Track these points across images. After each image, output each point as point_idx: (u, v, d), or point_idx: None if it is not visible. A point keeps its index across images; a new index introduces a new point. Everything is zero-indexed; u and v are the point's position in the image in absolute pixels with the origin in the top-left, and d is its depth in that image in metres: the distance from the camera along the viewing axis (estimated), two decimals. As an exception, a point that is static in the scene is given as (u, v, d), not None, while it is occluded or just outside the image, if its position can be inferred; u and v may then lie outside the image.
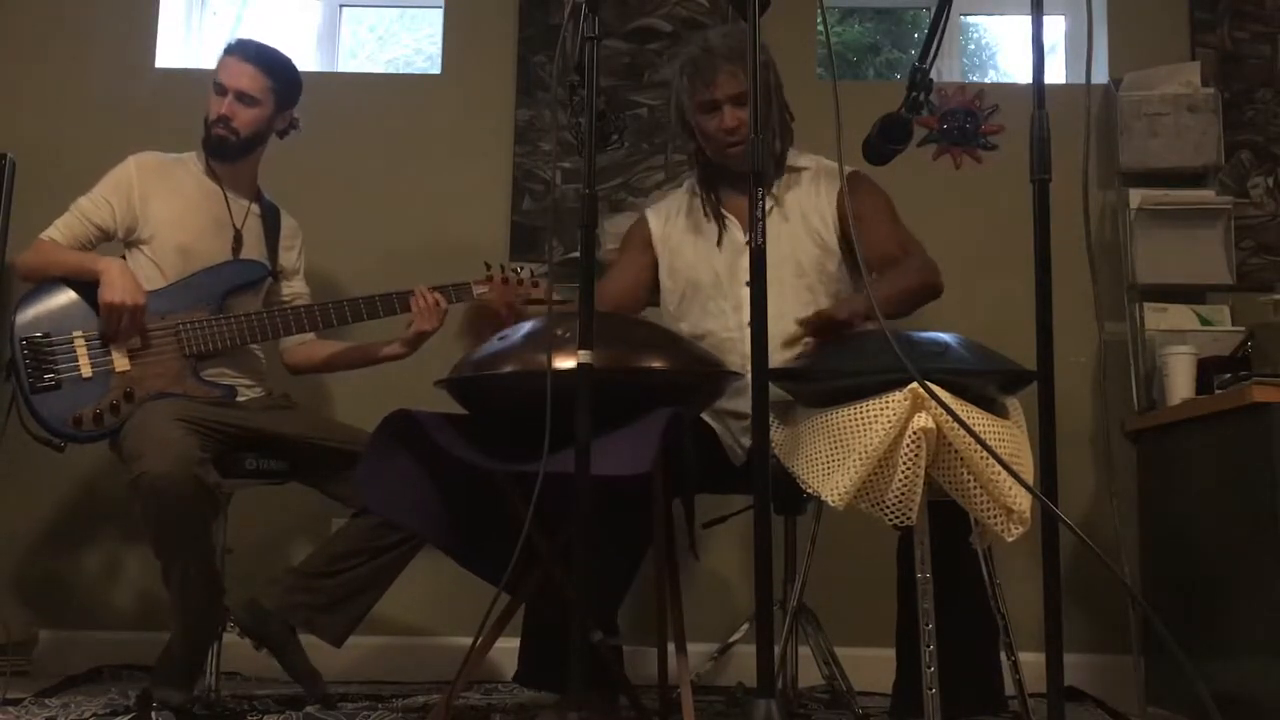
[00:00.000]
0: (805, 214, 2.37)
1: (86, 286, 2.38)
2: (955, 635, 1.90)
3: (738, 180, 2.35)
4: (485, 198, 3.16)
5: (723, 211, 2.40)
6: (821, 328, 2.01)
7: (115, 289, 2.34)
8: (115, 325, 2.35)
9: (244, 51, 2.54)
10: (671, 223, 2.48)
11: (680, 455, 1.93)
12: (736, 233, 2.35)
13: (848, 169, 2.37)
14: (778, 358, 2.03)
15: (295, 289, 2.68)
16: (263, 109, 2.54)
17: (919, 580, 1.82)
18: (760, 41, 2.36)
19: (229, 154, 2.54)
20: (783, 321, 2.24)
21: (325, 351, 2.67)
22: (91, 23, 3.25)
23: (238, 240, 2.55)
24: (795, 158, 2.43)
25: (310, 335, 2.63)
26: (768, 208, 2.33)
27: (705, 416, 2.33)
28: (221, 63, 2.54)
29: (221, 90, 2.51)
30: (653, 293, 2.51)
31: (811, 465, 1.85)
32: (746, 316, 2.26)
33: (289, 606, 2.32)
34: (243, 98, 2.51)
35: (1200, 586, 2.53)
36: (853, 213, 2.17)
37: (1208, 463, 2.54)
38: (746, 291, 2.29)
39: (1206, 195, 2.96)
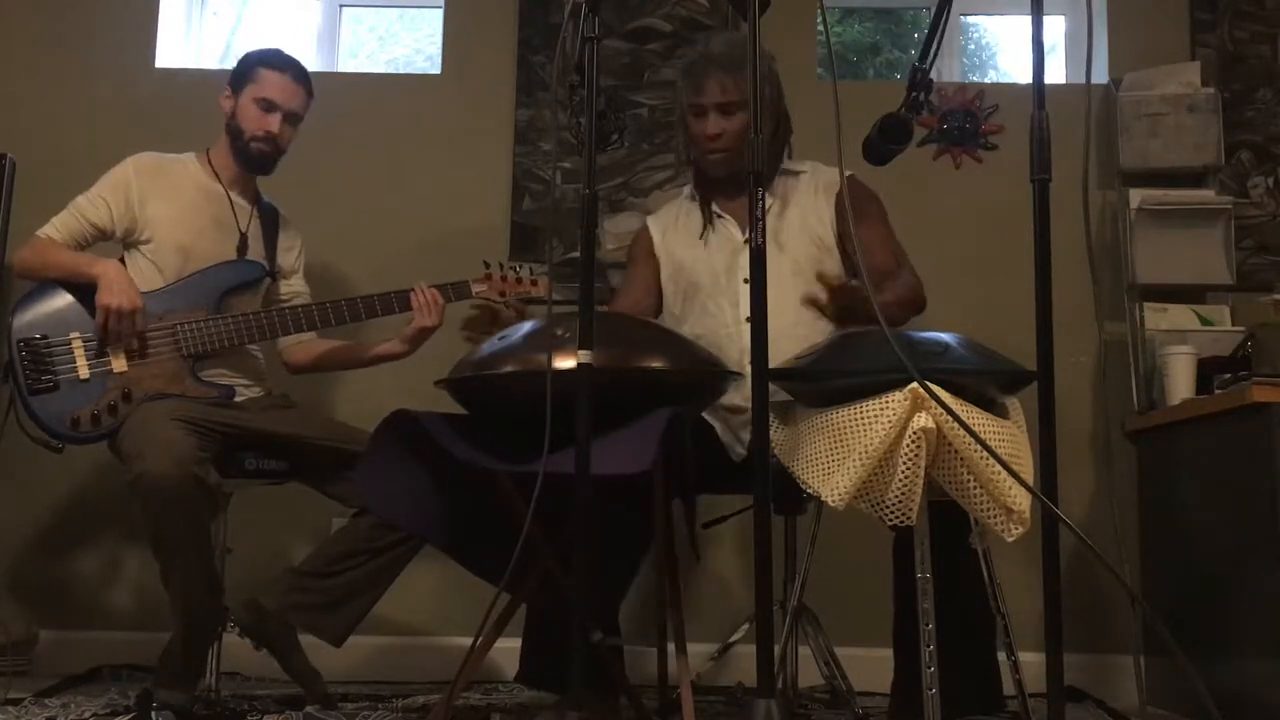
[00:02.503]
0: (803, 214, 2.41)
1: (83, 288, 2.38)
2: (954, 635, 1.90)
3: (730, 183, 2.40)
4: (485, 198, 3.16)
5: (716, 210, 2.43)
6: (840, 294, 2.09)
7: (113, 292, 2.34)
8: (113, 329, 2.35)
9: (294, 71, 2.55)
10: (672, 229, 2.52)
11: (681, 455, 1.93)
12: (733, 230, 2.39)
13: (847, 174, 2.39)
14: (776, 349, 2.04)
15: (294, 288, 2.68)
16: (297, 127, 2.59)
17: (919, 580, 1.82)
18: (765, 50, 2.39)
19: (265, 168, 2.58)
20: (781, 317, 2.26)
21: (324, 350, 2.67)
22: (91, 23, 3.25)
23: (243, 241, 2.55)
24: (791, 163, 2.47)
25: (310, 334, 2.63)
26: (765, 206, 2.37)
27: (703, 414, 2.34)
28: (269, 78, 2.53)
29: (272, 107, 2.52)
30: (662, 300, 2.54)
31: (811, 465, 1.85)
32: (744, 311, 2.29)
33: (289, 607, 2.32)
34: (291, 118, 2.55)
35: (1200, 586, 2.53)
36: (850, 215, 2.18)
37: (1208, 463, 2.54)
38: (745, 288, 2.32)
39: (1206, 195, 2.96)
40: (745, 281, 2.34)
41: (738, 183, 2.38)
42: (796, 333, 2.25)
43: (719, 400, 2.24)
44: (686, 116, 2.40)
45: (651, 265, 2.52)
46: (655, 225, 2.55)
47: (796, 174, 2.45)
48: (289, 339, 2.63)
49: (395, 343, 2.56)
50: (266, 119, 2.52)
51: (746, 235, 2.36)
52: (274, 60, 2.55)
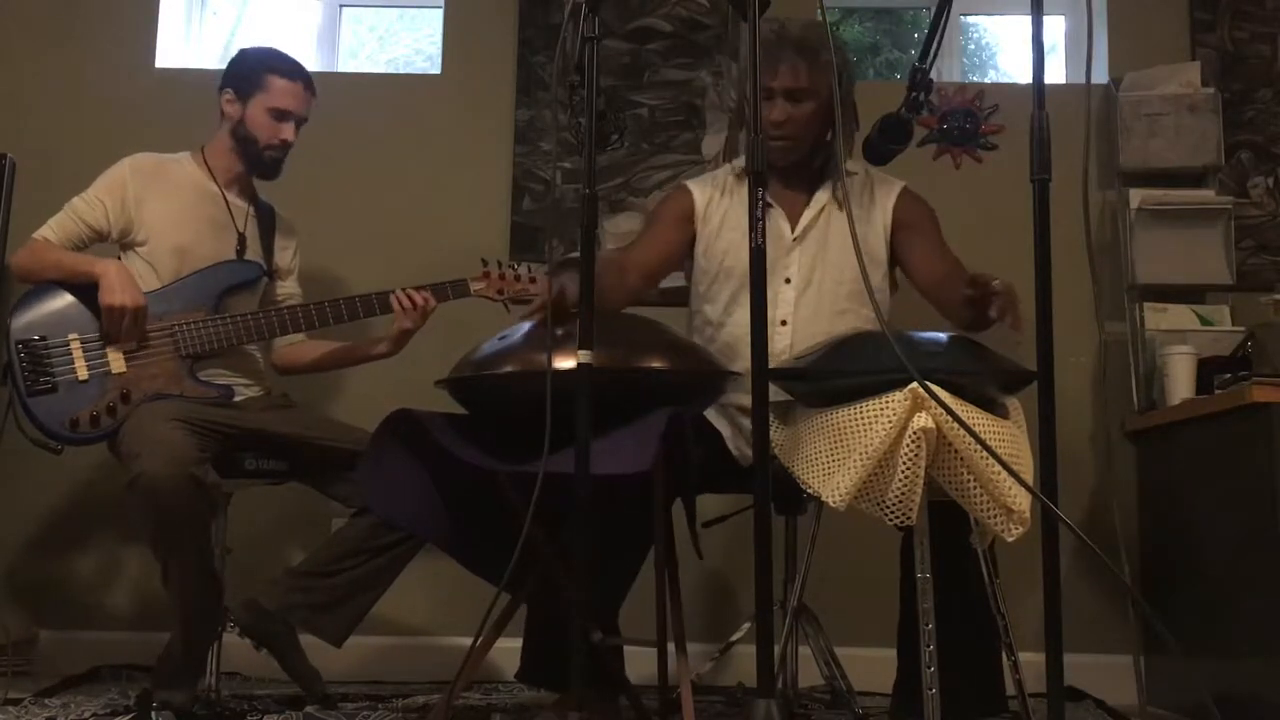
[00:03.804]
0: (855, 221, 2.34)
1: (83, 289, 2.38)
2: (956, 635, 1.90)
3: (786, 173, 2.32)
4: (485, 198, 3.16)
5: (767, 200, 2.37)
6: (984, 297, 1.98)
7: (115, 291, 2.34)
8: (117, 327, 2.35)
9: (305, 79, 2.55)
10: (716, 202, 2.40)
11: (681, 455, 1.93)
12: (782, 224, 2.31)
13: (901, 183, 2.41)
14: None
15: (288, 290, 2.68)
16: None
17: (919, 580, 1.82)
18: (839, 42, 2.34)
19: (279, 172, 2.59)
20: (814, 325, 2.26)
21: (314, 352, 2.67)
22: (91, 23, 3.25)
23: (241, 241, 2.55)
24: (847, 164, 2.39)
25: (300, 336, 2.63)
26: (820, 206, 2.33)
27: (710, 415, 2.33)
28: (283, 88, 2.52)
29: (285, 116, 2.52)
30: (679, 267, 2.47)
31: (811, 465, 1.85)
32: (779, 314, 2.26)
33: (289, 606, 2.32)
34: (300, 122, 2.56)
35: (1200, 586, 2.53)
36: (907, 227, 2.30)
37: (1208, 463, 2.54)
38: (786, 288, 2.29)
39: (1206, 195, 2.96)
40: (787, 281, 2.30)
41: (793, 174, 2.32)
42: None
43: (729, 400, 2.24)
44: (757, 97, 2.31)
45: (682, 232, 2.39)
46: (699, 191, 2.42)
47: (850, 175, 2.38)
48: (281, 341, 2.63)
49: (382, 344, 2.57)
50: (281, 128, 2.53)
51: (795, 232, 2.32)
52: (282, 68, 2.54)
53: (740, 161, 2.42)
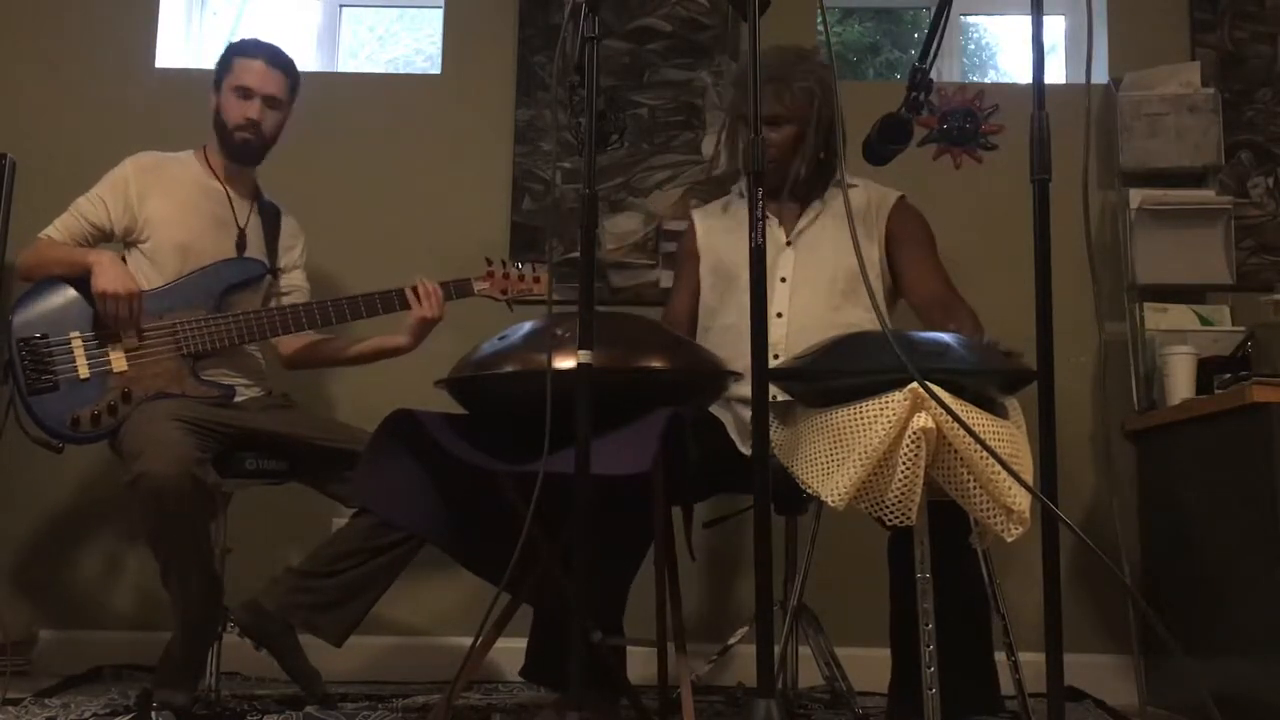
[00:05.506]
0: (846, 226, 2.41)
1: (84, 285, 2.38)
2: (952, 635, 1.90)
3: (777, 191, 2.42)
4: (485, 198, 3.16)
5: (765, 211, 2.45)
6: None
7: (107, 278, 2.34)
8: (111, 315, 2.35)
9: (267, 55, 2.54)
10: (715, 220, 2.57)
11: (682, 456, 1.93)
12: (776, 231, 2.43)
13: (897, 194, 2.51)
14: (806, 341, 2.07)
15: (293, 282, 2.67)
16: (284, 112, 2.58)
17: (919, 580, 1.82)
18: (818, 58, 2.42)
19: (253, 157, 2.57)
20: (807, 316, 2.33)
21: (327, 349, 2.66)
22: (91, 23, 3.25)
23: (242, 238, 2.55)
24: (847, 178, 2.51)
25: (310, 333, 2.63)
26: (815, 214, 2.44)
27: (713, 408, 2.35)
28: (243, 65, 2.53)
29: (247, 94, 2.52)
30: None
31: (811, 465, 1.85)
32: (777, 308, 2.35)
33: (289, 607, 2.32)
34: (270, 102, 2.54)
35: (1200, 586, 2.53)
36: (899, 238, 2.41)
37: (1208, 463, 2.54)
38: (781, 286, 2.38)
39: (1206, 195, 2.96)
40: (782, 280, 2.39)
41: (785, 190, 2.43)
42: (826, 331, 2.26)
43: (730, 393, 2.26)
44: (738, 125, 2.52)
45: (694, 263, 2.55)
46: (700, 219, 2.61)
47: (850, 186, 2.48)
48: (291, 337, 2.63)
49: (398, 335, 2.56)
50: (245, 106, 2.52)
51: (789, 237, 2.43)
52: (247, 48, 2.55)
53: (742, 184, 2.57)
